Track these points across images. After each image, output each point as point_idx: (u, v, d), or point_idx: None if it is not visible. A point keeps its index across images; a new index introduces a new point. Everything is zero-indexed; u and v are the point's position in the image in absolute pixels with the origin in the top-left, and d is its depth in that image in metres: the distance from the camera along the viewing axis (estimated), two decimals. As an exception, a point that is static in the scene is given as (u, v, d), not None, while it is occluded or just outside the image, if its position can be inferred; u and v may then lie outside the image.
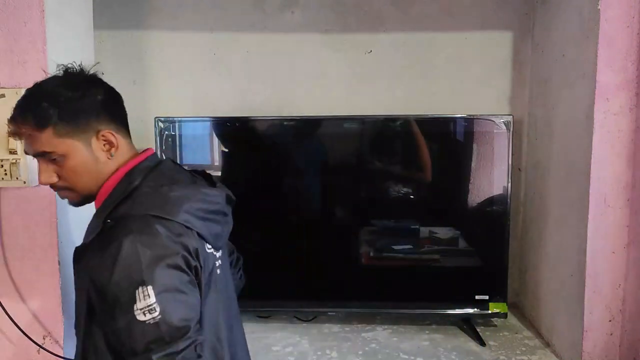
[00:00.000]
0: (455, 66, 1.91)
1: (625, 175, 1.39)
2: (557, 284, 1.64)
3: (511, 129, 1.68)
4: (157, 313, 0.83)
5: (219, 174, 1.81)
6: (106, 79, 2.07)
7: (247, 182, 1.81)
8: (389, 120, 1.75)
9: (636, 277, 1.39)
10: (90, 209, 1.63)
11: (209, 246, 0.97)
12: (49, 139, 0.93)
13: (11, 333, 1.44)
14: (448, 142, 1.77)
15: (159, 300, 0.83)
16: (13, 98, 1.35)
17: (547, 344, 1.67)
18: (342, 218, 1.82)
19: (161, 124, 1.71)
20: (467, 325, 1.76)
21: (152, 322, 0.83)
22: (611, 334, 1.44)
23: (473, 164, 1.74)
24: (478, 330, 1.73)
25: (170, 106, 1.93)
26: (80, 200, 1.02)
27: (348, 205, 1.82)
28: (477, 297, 1.73)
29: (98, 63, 1.14)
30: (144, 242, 0.86)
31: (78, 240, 1.53)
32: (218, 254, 1.01)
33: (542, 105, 1.78)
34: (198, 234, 0.94)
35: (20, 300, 1.44)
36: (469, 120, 1.72)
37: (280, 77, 1.93)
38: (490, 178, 1.73)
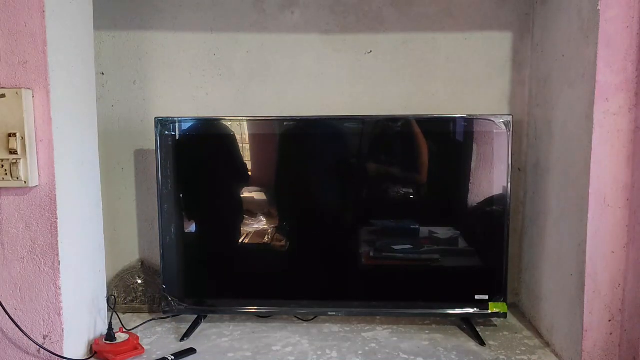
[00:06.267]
0: (455, 66, 1.91)
1: (625, 175, 1.39)
2: (556, 283, 1.64)
3: (511, 129, 1.68)
4: None
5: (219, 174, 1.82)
6: (106, 79, 2.09)
7: (246, 182, 1.81)
8: (389, 120, 1.75)
9: (636, 277, 1.39)
10: (92, 210, 1.63)
11: None
12: None
13: (11, 333, 1.45)
14: (448, 142, 1.77)
15: None
16: (13, 98, 1.36)
17: (547, 344, 1.67)
18: (342, 218, 1.82)
19: (161, 124, 1.71)
20: (467, 325, 1.76)
21: None
22: (611, 334, 1.44)
23: (473, 164, 1.74)
24: (478, 330, 1.73)
25: (170, 106, 1.93)
26: None
27: (348, 205, 1.82)
28: (477, 297, 1.73)
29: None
30: None
31: (78, 240, 1.54)
32: None
33: (542, 105, 1.78)
34: None
35: (20, 300, 1.44)
36: (469, 120, 1.72)
37: (280, 77, 1.93)
38: (490, 178, 1.73)
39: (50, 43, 1.38)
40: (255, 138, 1.80)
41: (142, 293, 1.95)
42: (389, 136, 1.76)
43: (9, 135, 1.36)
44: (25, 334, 1.44)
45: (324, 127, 1.78)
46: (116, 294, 1.89)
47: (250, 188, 1.82)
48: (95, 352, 1.59)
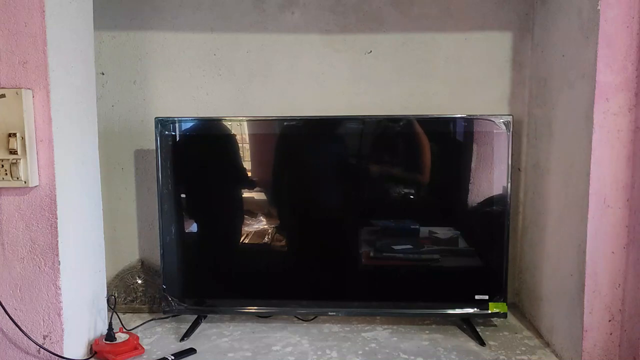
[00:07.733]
0: (455, 66, 1.91)
1: (625, 175, 1.39)
2: (556, 284, 1.64)
3: (511, 129, 1.68)
4: None
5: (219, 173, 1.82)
6: (106, 79, 2.09)
7: (246, 182, 1.81)
8: (389, 121, 1.75)
9: (636, 277, 1.39)
10: (92, 210, 1.63)
11: None
12: None
13: (11, 333, 1.45)
14: (448, 142, 1.77)
15: None
16: (13, 98, 1.36)
17: (547, 344, 1.67)
18: (342, 218, 1.82)
19: (161, 124, 1.71)
20: (467, 325, 1.76)
21: None
22: (611, 334, 1.44)
23: (473, 164, 1.74)
24: (478, 330, 1.73)
25: (170, 106, 1.93)
26: None
27: (348, 205, 1.82)
28: (477, 297, 1.73)
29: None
30: None
31: (78, 240, 1.54)
32: None
33: (541, 105, 1.78)
34: None
35: (20, 300, 1.44)
36: (469, 121, 1.72)
37: (280, 77, 1.93)
38: (490, 178, 1.73)
39: (50, 43, 1.38)
40: (255, 138, 1.80)
41: (142, 293, 1.95)
42: (390, 136, 1.76)
43: (9, 135, 1.36)
44: (25, 334, 1.44)
45: (324, 127, 1.78)
46: (116, 294, 1.89)
47: (249, 188, 1.82)
48: (95, 352, 1.59)
